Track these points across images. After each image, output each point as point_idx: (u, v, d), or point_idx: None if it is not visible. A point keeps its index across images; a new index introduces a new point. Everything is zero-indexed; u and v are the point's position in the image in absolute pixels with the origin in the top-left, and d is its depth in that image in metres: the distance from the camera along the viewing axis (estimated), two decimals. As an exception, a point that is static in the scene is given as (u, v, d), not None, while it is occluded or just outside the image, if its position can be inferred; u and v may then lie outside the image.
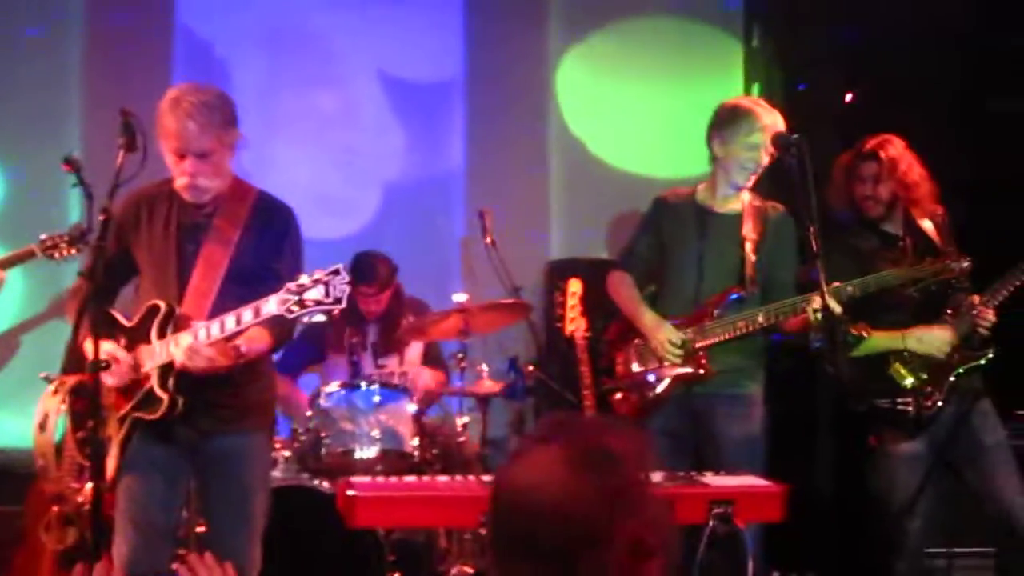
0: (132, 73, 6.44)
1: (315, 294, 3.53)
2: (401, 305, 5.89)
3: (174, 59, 6.67)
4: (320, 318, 3.58)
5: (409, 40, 6.87)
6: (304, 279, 3.55)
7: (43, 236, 5.22)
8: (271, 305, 3.59)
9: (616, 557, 1.65)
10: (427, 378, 5.75)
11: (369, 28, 6.79)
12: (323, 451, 5.20)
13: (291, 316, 3.57)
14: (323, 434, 5.21)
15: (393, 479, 3.88)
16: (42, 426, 3.48)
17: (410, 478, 3.98)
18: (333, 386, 5.31)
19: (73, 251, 5.24)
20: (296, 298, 3.54)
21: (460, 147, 6.93)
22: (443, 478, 3.97)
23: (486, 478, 3.86)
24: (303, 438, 5.31)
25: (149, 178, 3.97)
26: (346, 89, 6.83)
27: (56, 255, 5.22)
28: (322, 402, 5.26)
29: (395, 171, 6.84)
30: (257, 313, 3.63)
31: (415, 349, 5.94)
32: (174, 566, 2.33)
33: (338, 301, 3.53)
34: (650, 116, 7.04)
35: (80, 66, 6.61)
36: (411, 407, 5.31)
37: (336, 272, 3.55)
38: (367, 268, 5.70)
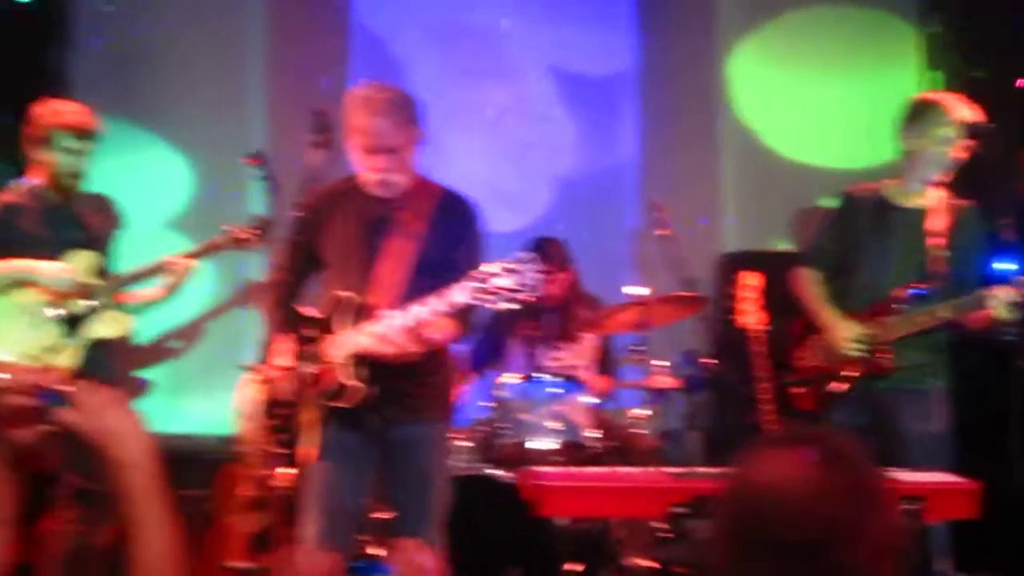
0: (312, 69, 6.64)
1: (505, 282, 3.58)
2: (578, 295, 5.94)
3: (351, 55, 6.82)
4: (510, 306, 3.62)
5: (581, 33, 6.92)
6: (493, 267, 3.61)
7: (228, 227, 5.40)
8: (460, 294, 3.66)
9: (862, 555, 1.66)
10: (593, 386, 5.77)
11: (541, 21, 6.86)
12: (501, 441, 5.27)
13: (480, 304, 3.63)
14: (501, 425, 5.28)
15: (577, 469, 3.93)
16: (244, 414, 3.59)
17: (594, 468, 4.02)
18: (511, 377, 5.38)
19: (257, 242, 5.41)
20: (485, 286, 3.60)
21: (633, 139, 6.94)
22: (627, 469, 4.00)
23: (671, 470, 3.89)
24: (482, 429, 5.40)
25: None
26: (518, 83, 6.91)
27: (241, 246, 5.40)
28: (500, 393, 5.33)
29: (567, 164, 6.90)
30: (446, 302, 3.71)
31: (588, 342, 5.99)
32: (378, 551, 2.42)
33: (530, 288, 3.58)
34: (824, 106, 6.94)
35: (262, 63, 6.82)
36: (588, 399, 5.35)
37: (528, 260, 3.60)
38: (542, 248, 5.76)
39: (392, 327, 3.80)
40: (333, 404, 3.92)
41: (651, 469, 3.97)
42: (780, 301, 4.98)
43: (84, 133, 5.03)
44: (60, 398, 2.29)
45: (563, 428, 5.25)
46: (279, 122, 6.65)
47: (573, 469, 3.95)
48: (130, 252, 5.51)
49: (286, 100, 6.68)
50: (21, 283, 4.92)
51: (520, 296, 3.59)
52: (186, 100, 6.75)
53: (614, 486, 3.72)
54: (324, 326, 3.99)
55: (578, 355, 5.92)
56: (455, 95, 6.72)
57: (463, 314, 3.87)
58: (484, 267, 3.63)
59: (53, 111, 5.03)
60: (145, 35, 6.78)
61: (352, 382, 3.87)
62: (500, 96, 6.86)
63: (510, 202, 6.65)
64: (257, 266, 6.17)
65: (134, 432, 2.26)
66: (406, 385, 3.97)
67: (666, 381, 5.61)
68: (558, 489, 3.63)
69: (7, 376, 4.60)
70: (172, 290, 5.28)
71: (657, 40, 6.99)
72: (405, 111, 3.96)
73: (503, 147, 6.83)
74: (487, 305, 3.64)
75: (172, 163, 6.81)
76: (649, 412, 5.60)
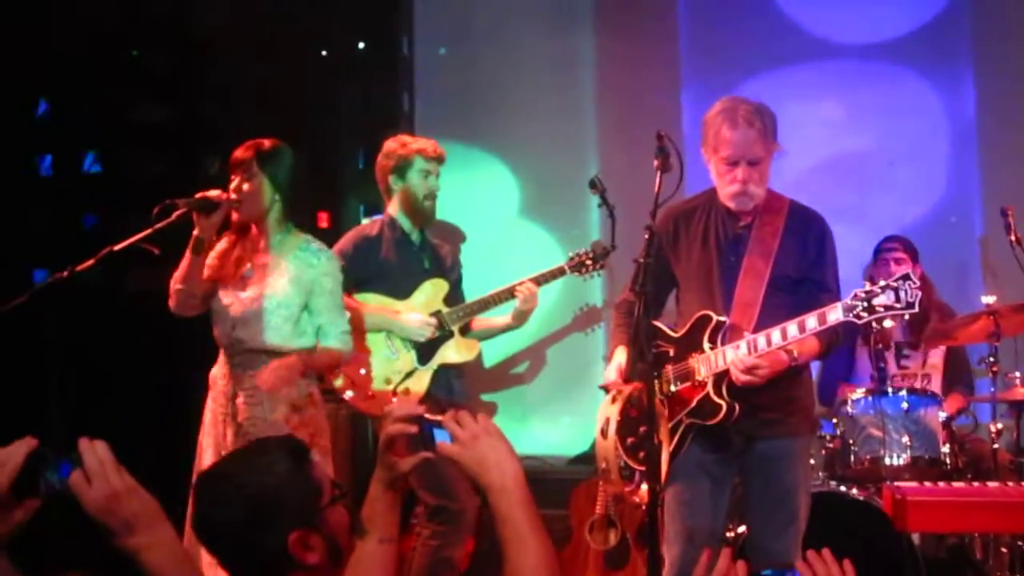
0: (640, 97, 6.72)
1: (885, 299, 3.58)
2: (929, 299, 5.76)
3: (682, 78, 6.87)
4: (889, 323, 3.64)
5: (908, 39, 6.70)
6: (874, 285, 3.62)
7: (571, 253, 5.59)
8: (838, 312, 3.68)
9: None
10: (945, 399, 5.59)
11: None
12: (852, 458, 5.18)
13: (860, 322, 3.64)
14: (851, 441, 5.19)
15: (941, 484, 3.84)
16: (604, 432, 3.70)
17: (957, 484, 3.92)
18: (859, 392, 5.27)
19: (597, 267, 5.58)
20: (865, 304, 3.60)
21: (972, 143, 6.66)
22: (992, 484, 3.88)
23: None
24: (830, 445, 5.33)
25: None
26: (850, 93, 6.74)
27: (582, 272, 5.58)
28: (849, 409, 5.24)
29: (908, 173, 6.67)
30: (822, 320, 3.72)
31: (938, 353, 5.81)
32: (797, 565, 2.47)
33: (910, 306, 3.56)
34: None
35: (593, 97, 6.96)
36: (941, 413, 5.19)
37: (906, 277, 3.59)
38: (890, 238, 5.75)
39: (762, 345, 3.83)
40: (697, 422, 3.99)
41: (1020, 483, 3.84)
42: None
43: (436, 156, 5.36)
44: (438, 426, 2.44)
45: (916, 443, 5.10)
46: (610, 150, 6.79)
47: (937, 484, 3.85)
48: (472, 270, 5.81)
49: (616, 128, 6.80)
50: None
51: (900, 312, 3.58)
52: (522, 133, 6.97)
53: (982, 501, 3.62)
54: (685, 344, 4.06)
55: (927, 365, 5.76)
56: (788, 109, 6.61)
57: (831, 332, 3.87)
58: (866, 287, 3.65)
59: (403, 141, 5.42)
60: (479, 75, 7.04)
61: (719, 400, 3.93)
62: (832, 108, 6.72)
63: (848, 217, 6.48)
64: (597, 291, 6.33)
65: (505, 458, 2.39)
66: (767, 401, 3.99)
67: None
68: (924, 504, 3.57)
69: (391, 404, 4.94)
70: (521, 319, 5.51)
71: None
72: (768, 122, 4.01)
73: (839, 161, 6.67)
74: (865, 323, 3.65)
75: (511, 189, 7.04)
76: (1005, 426, 5.37)
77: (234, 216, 4.58)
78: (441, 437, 2.45)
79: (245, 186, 4.53)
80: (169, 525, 2.31)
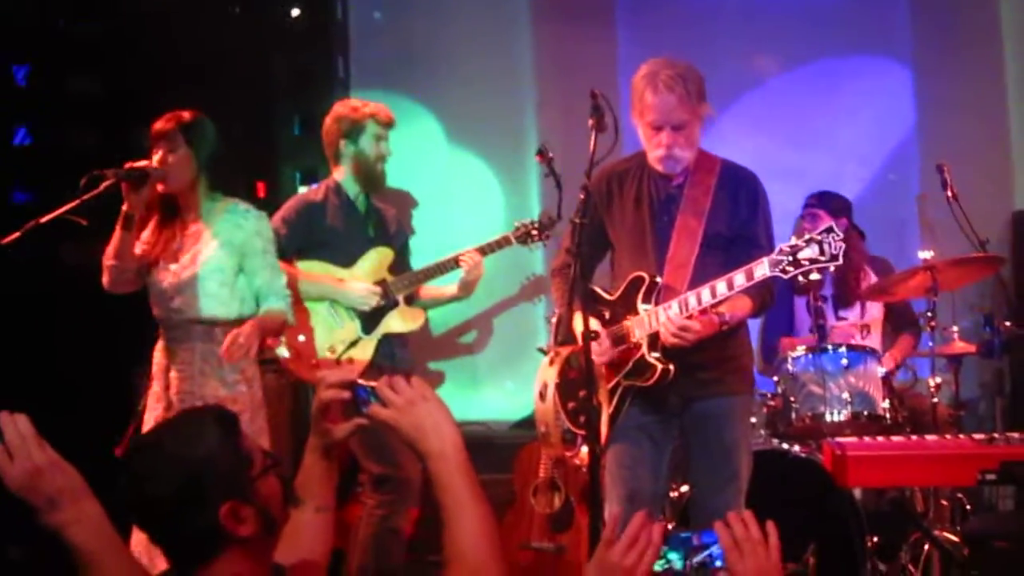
0: (580, 63, 6.68)
1: (809, 253, 3.60)
2: (858, 252, 5.78)
3: (619, 39, 6.84)
4: (815, 276, 3.65)
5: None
6: (798, 240, 3.63)
7: (516, 223, 5.55)
8: (764, 267, 3.69)
9: None
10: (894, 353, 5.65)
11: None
12: (793, 415, 5.19)
13: (786, 276, 3.65)
14: (792, 398, 5.21)
15: (880, 439, 3.86)
16: (542, 395, 3.68)
17: (896, 437, 3.94)
18: (799, 350, 5.28)
19: (543, 237, 5.55)
20: (790, 258, 3.62)
21: (909, 97, 6.70)
22: (931, 437, 3.90)
23: (977, 436, 3.78)
24: (771, 403, 5.35)
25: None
26: (787, 53, 6.76)
27: (528, 242, 5.55)
28: (789, 366, 5.26)
29: (847, 132, 6.68)
30: (749, 276, 3.73)
31: (877, 306, 5.85)
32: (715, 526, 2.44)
33: (834, 258, 3.58)
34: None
35: (531, 53, 6.94)
36: (880, 369, 5.22)
37: (829, 230, 3.61)
38: (823, 201, 5.78)
39: (693, 304, 3.83)
40: (634, 383, 3.98)
41: (958, 436, 3.86)
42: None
43: (387, 121, 5.33)
44: (373, 393, 2.40)
45: (856, 399, 5.13)
46: (550, 112, 6.75)
47: (876, 439, 3.86)
48: (423, 243, 5.77)
49: (556, 93, 6.77)
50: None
51: (825, 266, 3.60)
52: (459, 95, 6.92)
53: (920, 454, 3.64)
54: (620, 306, 4.06)
55: (867, 317, 5.79)
56: (725, 72, 6.60)
57: (759, 290, 3.88)
58: (791, 241, 3.67)
59: (354, 106, 5.35)
60: (414, 39, 6.97)
61: (653, 360, 3.93)
62: (771, 69, 6.72)
63: (786, 175, 6.49)
64: (541, 259, 6.30)
65: (442, 423, 2.36)
66: (704, 361, 3.99)
67: (961, 347, 5.41)
68: (863, 459, 3.58)
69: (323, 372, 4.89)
70: (467, 289, 5.47)
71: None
72: (693, 86, 3.98)
73: (777, 120, 6.68)
74: (791, 277, 3.66)
75: (448, 153, 7.00)
76: (944, 380, 5.41)
77: (159, 188, 4.49)
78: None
79: (170, 158, 4.46)
80: (94, 500, 2.26)
